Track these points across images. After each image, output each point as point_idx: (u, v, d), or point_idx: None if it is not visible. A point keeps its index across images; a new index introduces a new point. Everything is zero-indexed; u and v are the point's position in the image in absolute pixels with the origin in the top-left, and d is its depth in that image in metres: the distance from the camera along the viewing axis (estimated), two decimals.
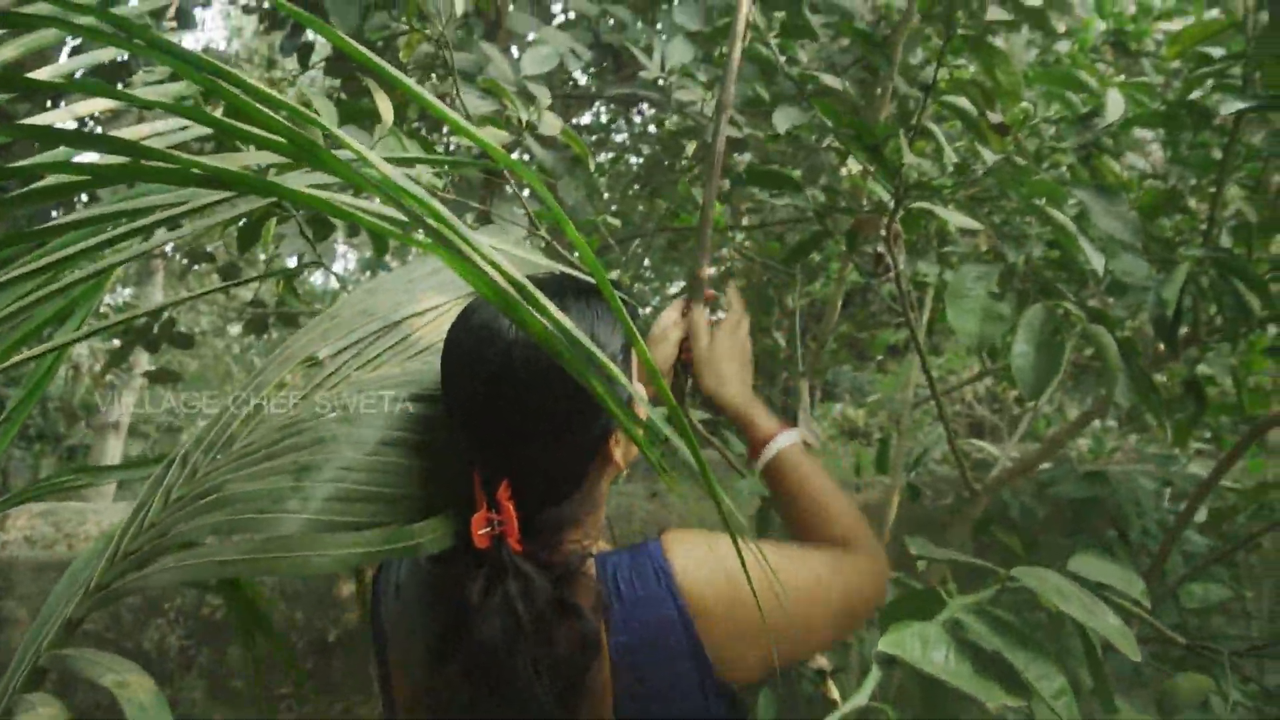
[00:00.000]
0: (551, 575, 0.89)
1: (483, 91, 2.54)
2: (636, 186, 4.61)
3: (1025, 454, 2.51)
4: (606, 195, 4.93)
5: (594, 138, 4.63)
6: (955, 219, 1.78)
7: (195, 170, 0.86)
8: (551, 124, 1.68)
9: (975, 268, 1.51)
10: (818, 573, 1.00)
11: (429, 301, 1.09)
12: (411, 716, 0.99)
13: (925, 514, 2.75)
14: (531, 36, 2.88)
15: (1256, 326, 1.79)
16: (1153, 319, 1.60)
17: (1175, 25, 2.84)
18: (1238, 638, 2.53)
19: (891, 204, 1.74)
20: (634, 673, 0.89)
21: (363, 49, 0.80)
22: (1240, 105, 1.36)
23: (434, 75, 2.99)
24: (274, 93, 0.84)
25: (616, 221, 2.59)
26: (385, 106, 1.35)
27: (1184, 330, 1.96)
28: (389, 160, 1.28)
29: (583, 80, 3.93)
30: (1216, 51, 1.94)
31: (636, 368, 0.99)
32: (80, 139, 0.96)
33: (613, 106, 4.49)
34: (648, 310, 5.92)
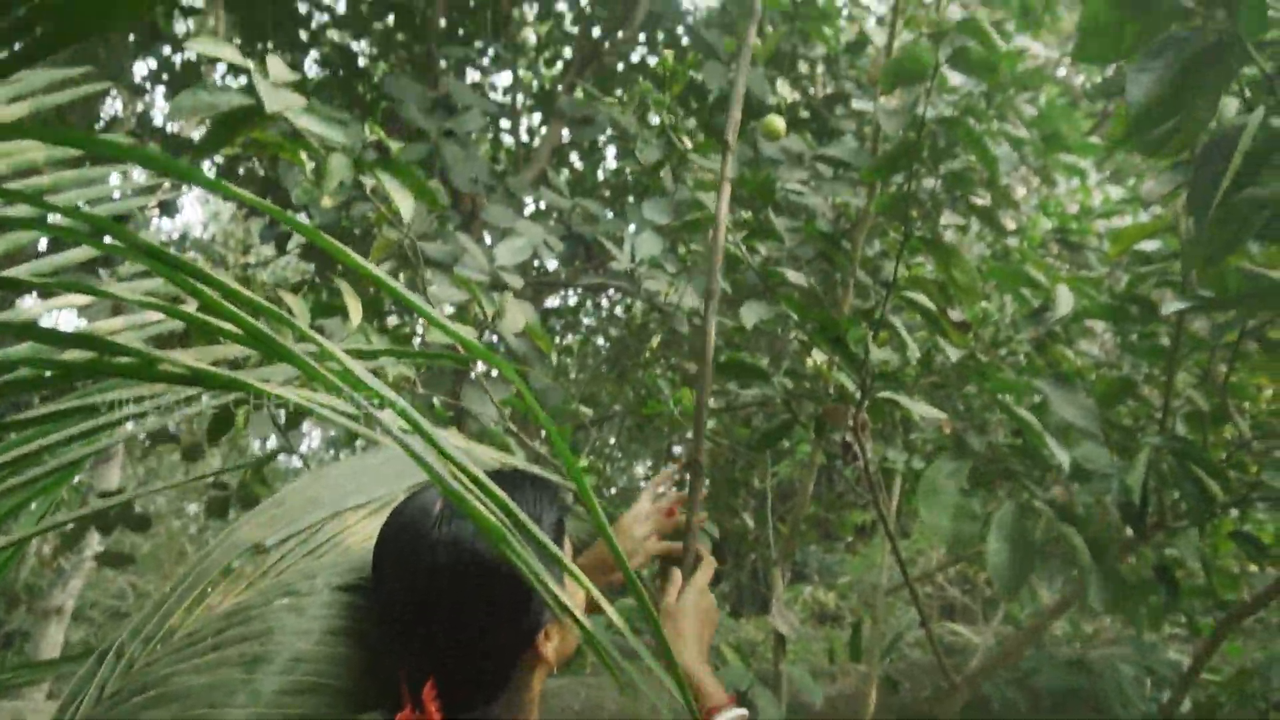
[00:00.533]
0: None
1: (455, 283, 2.61)
2: (605, 368, 4.69)
3: (1004, 640, 2.46)
4: (575, 376, 5.00)
5: (563, 321, 4.74)
6: (919, 409, 1.81)
7: (164, 366, 0.87)
8: (515, 320, 1.72)
9: (946, 465, 1.53)
10: None
11: (376, 491, 1.08)
12: None
13: (904, 705, 2.66)
14: (506, 227, 2.98)
15: (1220, 512, 1.82)
16: (1119, 507, 1.62)
17: (1116, 223, 3.02)
18: None
19: (857, 394, 1.78)
20: None
21: (335, 242, 0.82)
22: (1179, 305, 1.43)
23: (406, 268, 3.08)
24: (245, 290, 0.87)
25: (589, 411, 2.62)
26: (354, 306, 1.39)
27: (1151, 518, 1.98)
28: (356, 354, 1.30)
29: (554, 265, 4.06)
30: (1155, 246, 2.07)
31: (569, 550, 0.99)
32: (51, 336, 0.97)
33: (582, 291, 4.62)
34: (613, 490, 5.88)
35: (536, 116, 4.78)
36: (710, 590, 1.22)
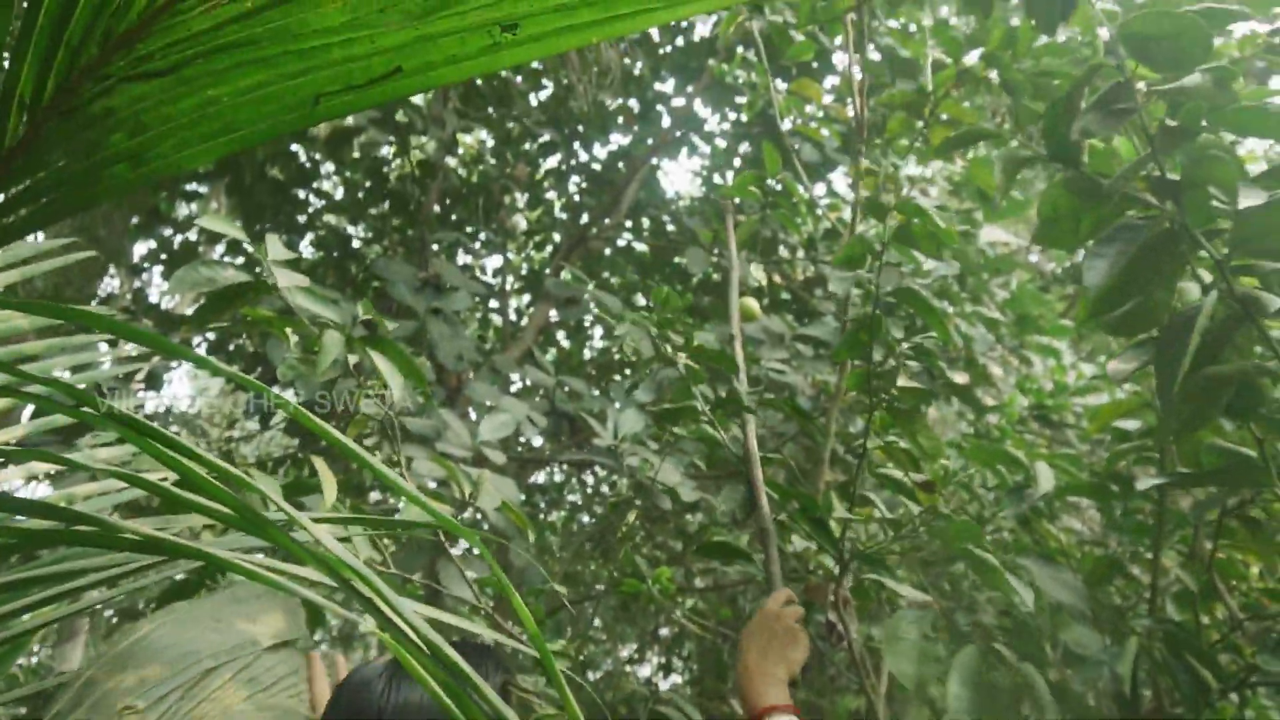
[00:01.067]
0: None
1: (434, 460, 2.60)
2: (589, 545, 4.61)
3: None
4: (559, 554, 4.91)
5: (548, 498, 4.69)
6: (903, 590, 1.79)
7: (128, 536, 0.85)
8: (492, 496, 1.71)
9: (910, 612, 1.51)
10: None
11: (254, 631, 1.03)
12: None
13: None
14: (490, 404, 3.01)
15: (1218, 698, 1.76)
16: (1112, 696, 1.57)
17: (1091, 400, 3.07)
18: None
19: (836, 571, 1.75)
20: None
21: (316, 419, 0.83)
22: (1156, 481, 1.43)
23: (388, 442, 3.08)
24: (217, 460, 0.86)
25: (563, 589, 2.56)
26: (329, 483, 1.38)
27: (1149, 703, 1.91)
28: (327, 520, 1.27)
29: (538, 441, 4.07)
30: (1132, 424, 2.09)
31: None
32: (14, 504, 0.96)
33: (567, 468, 4.60)
34: (597, 675, 5.65)
35: (525, 297, 4.91)
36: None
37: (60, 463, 1.16)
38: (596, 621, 5.05)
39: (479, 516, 2.90)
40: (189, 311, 4.87)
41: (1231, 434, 1.47)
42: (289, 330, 1.67)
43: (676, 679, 5.44)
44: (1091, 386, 2.94)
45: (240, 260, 3.90)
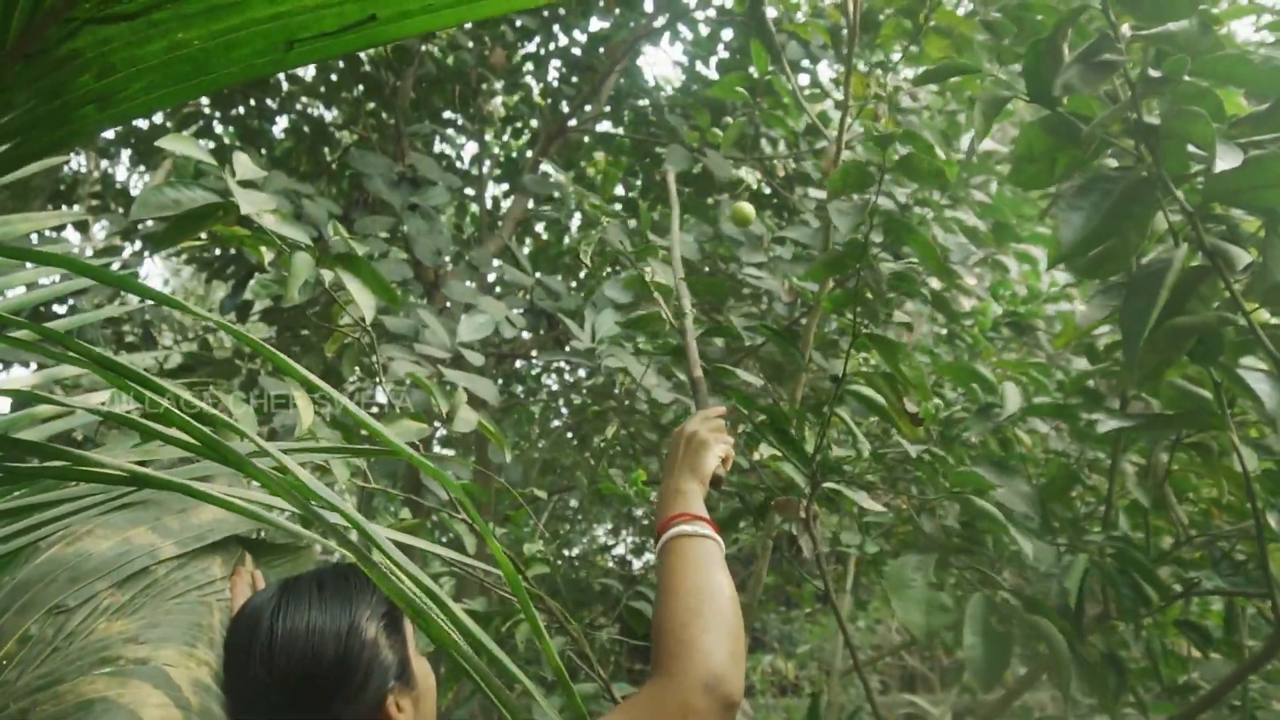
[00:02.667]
0: None
1: (414, 360, 2.62)
2: (568, 434, 4.69)
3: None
4: (540, 442, 4.99)
5: (525, 387, 4.74)
6: (861, 501, 1.84)
7: (111, 470, 0.87)
8: (467, 419, 1.73)
9: (912, 558, 1.56)
10: None
11: (168, 550, 1.06)
12: None
13: None
14: (468, 303, 3.00)
15: (1160, 607, 1.86)
16: (1057, 607, 1.65)
17: (1065, 307, 3.11)
18: None
19: (806, 487, 1.80)
20: None
21: (282, 356, 0.85)
22: (1114, 424, 1.47)
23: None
24: (194, 399, 0.88)
25: (543, 494, 2.63)
26: (304, 408, 1.40)
27: (1099, 609, 2.02)
28: (303, 450, 1.29)
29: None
30: (1103, 331, 2.13)
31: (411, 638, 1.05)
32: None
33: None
34: (574, 551, 5.84)
35: (504, 185, 4.84)
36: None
37: (43, 400, 1.17)
38: (574, 504, 5.18)
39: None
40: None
41: (1191, 371, 1.51)
42: (262, 248, 1.66)
43: (650, 558, 5.64)
44: (1065, 294, 2.97)
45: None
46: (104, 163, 4.63)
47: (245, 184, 1.55)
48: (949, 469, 1.66)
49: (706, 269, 3.73)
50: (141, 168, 4.92)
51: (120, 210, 3.97)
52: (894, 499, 2.78)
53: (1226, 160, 1.07)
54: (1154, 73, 1.14)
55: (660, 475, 1.26)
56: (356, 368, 2.78)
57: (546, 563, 2.05)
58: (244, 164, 1.58)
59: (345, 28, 0.86)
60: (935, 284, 2.81)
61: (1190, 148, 1.22)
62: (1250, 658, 1.79)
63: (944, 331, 3.12)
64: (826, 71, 3.90)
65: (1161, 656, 2.33)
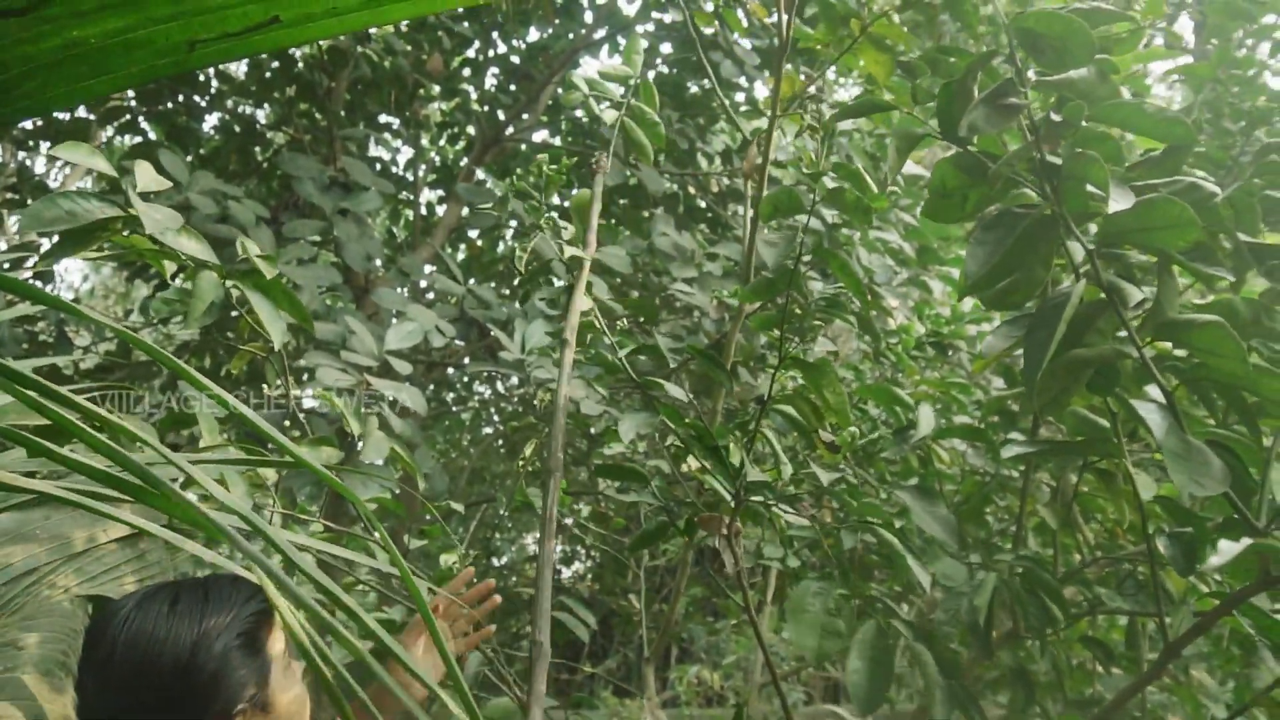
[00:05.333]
0: None
1: (340, 368, 2.59)
2: (498, 443, 4.68)
3: None
4: (470, 450, 4.97)
5: (454, 395, 4.71)
6: (788, 515, 1.88)
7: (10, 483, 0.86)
8: (379, 447, 1.70)
9: (812, 584, 1.59)
10: None
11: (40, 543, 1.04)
12: None
13: None
14: (397, 311, 2.98)
15: (1064, 626, 1.92)
16: (967, 625, 1.70)
17: (986, 327, 3.20)
18: None
19: (731, 502, 1.83)
20: None
21: (185, 367, 0.84)
22: (1020, 449, 1.53)
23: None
24: (102, 410, 0.87)
25: (460, 507, 2.62)
26: (207, 423, 1.37)
27: (1008, 626, 2.08)
28: (210, 461, 1.27)
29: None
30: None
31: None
32: None
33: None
34: (502, 560, 5.82)
35: (439, 191, 4.80)
36: None
37: None
38: (503, 512, 5.17)
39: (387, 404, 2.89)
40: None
41: (1094, 400, 1.57)
42: (166, 262, 1.59)
43: (579, 567, 5.64)
44: (987, 315, 3.06)
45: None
46: (21, 154, 4.49)
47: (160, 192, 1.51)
48: (858, 496, 1.70)
49: (639, 278, 3.76)
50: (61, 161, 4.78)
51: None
52: (818, 513, 2.83)
53: (1119, 202, 1.12)
54: (1055, 117, 1.19)
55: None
56: (279, 380, 2.73)
57: (459, 564, 2.04)
58: (146, 174, 1.51)
59: (249, 29, 0.85)
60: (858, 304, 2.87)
61: (1090, 187, 1.28)
62: (1145, 671, 1.86)
63: (869, 350, 3.19)
64: (761, 90, 3.96)
65: (1067, 671, 2.41)
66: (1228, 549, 1.17)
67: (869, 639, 1.59)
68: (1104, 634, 2.47)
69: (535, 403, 3.30)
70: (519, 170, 4.54)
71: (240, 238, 1.52)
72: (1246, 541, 1.09)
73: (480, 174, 4.41)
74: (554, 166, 2.13)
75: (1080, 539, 2.08)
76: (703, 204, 3.96)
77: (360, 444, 1.73)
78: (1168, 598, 1.80)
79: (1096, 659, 2.32)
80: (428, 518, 2.63)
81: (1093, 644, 2.29)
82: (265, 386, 3.19)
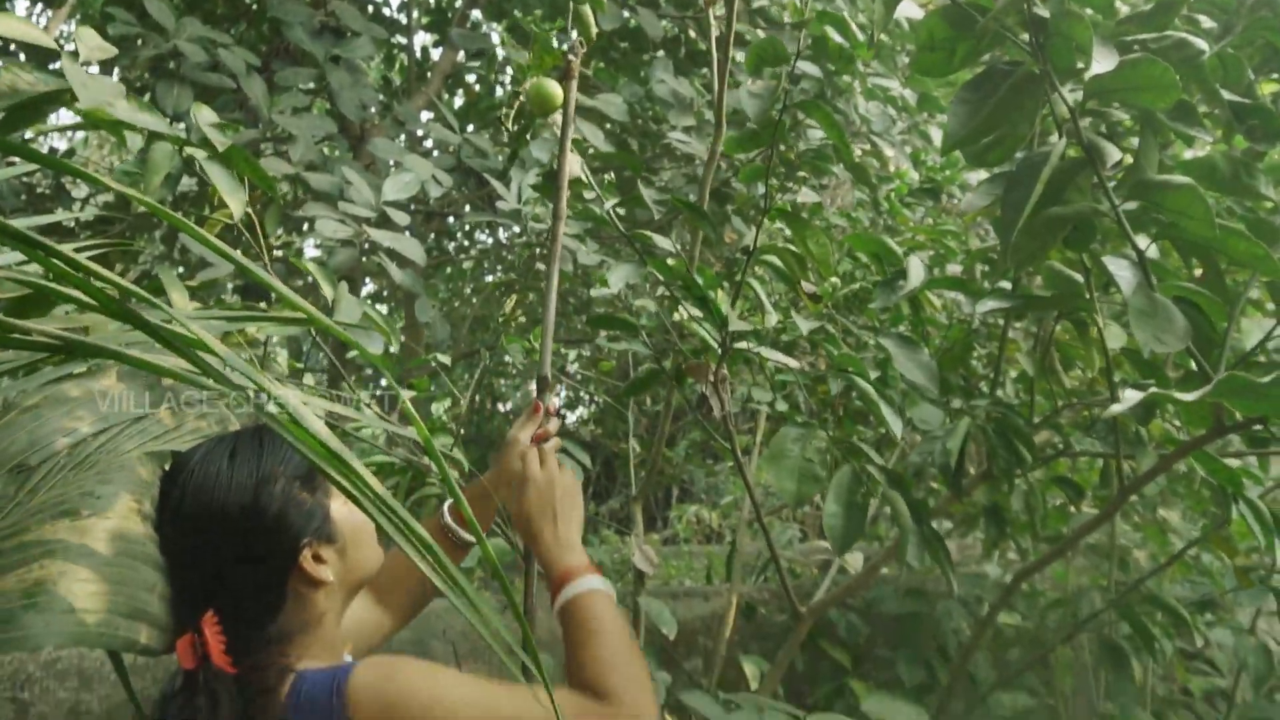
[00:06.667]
0: (246, 693, 0.97)
1: (339, 219, 2.61)
2: (499, 291, 4.72)
3: (849, 576, 2.68)
4: (472, 299, 5.02)
5: (455, 243, 4.73)
6: (775, 357, 1.94)
7: (38, 336, 0.91)
8: (349, 311, 1.70)
9: (793, 431, 1.66)
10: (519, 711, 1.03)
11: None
12: None
13: (760, 629, 2.88)
14: (394, 161, 2.97)
15: (1033, 466, 2.02)
16: (939, 467, 1.79)
17: (981, 175, 3.19)
18: None
19: (719, 350, 1.89)
20: None
21: (180, 218, 0.88)
22: (994, 305, 1.57)
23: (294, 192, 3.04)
24: (96, 267, 0.91)
25: (448, 359, 2.69)
26: (178, 296, 1.36)
27: (981, 467, 2.18)
28: (213, 317, 1.33)
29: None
30: None
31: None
32: None
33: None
34: (508, 406, 5.97)
35: (434, 34, 4.67)
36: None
37: None
38: (507, 358, 5.27)
39: (377, 258, 2.93)
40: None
41: (1069, 255, 1.60)
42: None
43: (582, 412, 5.80)
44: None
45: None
46: None
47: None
48: (837, 345, 1.76)
49: (638, 125, 3.71)
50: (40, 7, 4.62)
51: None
52: (815, 360, 2.91)
53: (1103, 63, 1.13)
54: None
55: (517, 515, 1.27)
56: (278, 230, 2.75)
57: (450, 433, 2.13)
58: (90, 42, 1.44)
59: None
60: (856, 151, 2.85)
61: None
62: (1107, 505, 1.96)
63: (867, 198, 3.19)
64: None
65: (1041, 510, 2.54)
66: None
67: (845, 484, 1.67)
68: (1081, 477, 2.58)
69: (536, 248, 3.32)
70: (516, 13, 4.41)
71: (195, 106, 1.48)
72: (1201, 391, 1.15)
73: (476, 14, 4.29)
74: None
75: (1056, 386, 2.16)
76: (704, 48, 3.86)
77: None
78: (1137, 441, 1.89)
79: (1069, 499, 2.44)
80: (433, 364, 2.70)
81: (1065, 484, 2.40)
82: (268, 239, 3.22)
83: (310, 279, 1.85)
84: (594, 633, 1.13)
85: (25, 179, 3.05)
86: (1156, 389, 1.11)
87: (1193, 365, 1.36)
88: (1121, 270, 1.30)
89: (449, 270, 4.87)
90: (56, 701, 2.03)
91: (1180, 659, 2.78)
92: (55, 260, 0.82)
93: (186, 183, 3.36)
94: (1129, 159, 1.31)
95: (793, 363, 1.98)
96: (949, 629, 2.62)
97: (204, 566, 1.00)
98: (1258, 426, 1.46)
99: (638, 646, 1.17)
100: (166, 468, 1.06)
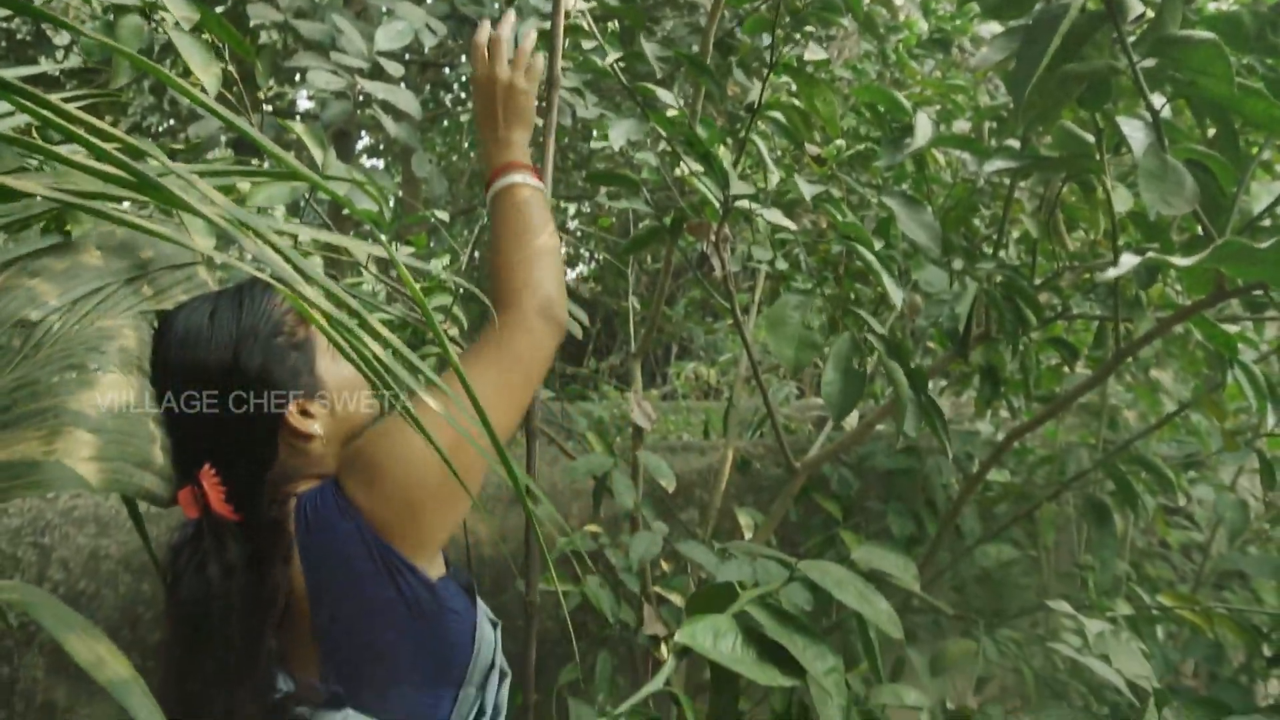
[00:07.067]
0: (252, 535, 1.01)
1: (331, 69, 2.53)
2: None
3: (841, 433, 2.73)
4: (470, 153, 4.92)
5: (452, 95, 4.60)
6: (773, 217, 1.92)
7: (25, 191, 0.90)
8: (334, 164, 1.66)
9: (793, 297, 1.66)
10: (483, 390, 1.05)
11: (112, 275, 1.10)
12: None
13: (754, 482, 2.96)
14: (386, 9, 2.85)
15: (1036, 328, 2.03)
16: (946, 332, 1.80)
17: (996, 26, 3.07)
18: (1028, 589, 2.85)
19: (720, 209, 1.86)
20: (326, 590, 1.00)
21: (170, 75, 0.86)
22: (1003, 165, 1.54)
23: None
24: (100, 123, 0.90)
25: (445, 216, 2.65)
26: (207, 76, 1.32)
27: (978, 329, 2.19)
28: (207, 173, 1.31)
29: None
30: None
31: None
32: None
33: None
34: None
35: None
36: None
37: None
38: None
39: (371, 111, 2.86)
40: None
41: (1082, 114, 1.56)
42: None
43: (582, 269, 5.78)
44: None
45: None
46: None
47: None
48: (840, 209, 1.73)
49: None
50: None
51: None
52: (816, 219, 2.88)
53: None
54: None
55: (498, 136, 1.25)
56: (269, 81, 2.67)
57: (448, 290, 2.12)
58: None
59: None
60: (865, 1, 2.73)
61: None
62: (1101, 366, 1.98)
63: (872, 49, 3.08)
64: None
65: (1035, 369, 2.57)
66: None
67: (843, 352, 1.68)
68: (1076, 338, 2.60)
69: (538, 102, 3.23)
70: None
71: None
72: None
73: None
74: None
75: (1059, 248, 2.14)
76: None
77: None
78: (1136, 304, 1.89)
79: (1063, 359, 2.46)
80: (431, 220, 2.67)
81: (1060, 345, 2.42)
82: (260, 91, 3.13)
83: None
84: (513, 230, 1.16)
85: (4, 23, 2.94)
86: (1156, 253, 1.10)
87: (1199, 229, 1.35)
88: (1134, 131, 1.27)
89: (445, 123, 4.76)
90: (76, 547, 2.11)
91: (1161, 514, 2.87)
92: (44, 111, 0.80)
93: None
94: (1150, 13, 1.26)
95: (792, 225, 1.96)
96: (939, 484, 2.70)
97: (194, 424, 1.02)
98: (1257, 291, 1.47)
99: (557, 250, 1.18)
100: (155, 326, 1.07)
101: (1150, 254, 1.05)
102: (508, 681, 1.17)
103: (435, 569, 1.06)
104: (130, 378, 1.01)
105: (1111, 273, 1.02)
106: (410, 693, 1.03)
